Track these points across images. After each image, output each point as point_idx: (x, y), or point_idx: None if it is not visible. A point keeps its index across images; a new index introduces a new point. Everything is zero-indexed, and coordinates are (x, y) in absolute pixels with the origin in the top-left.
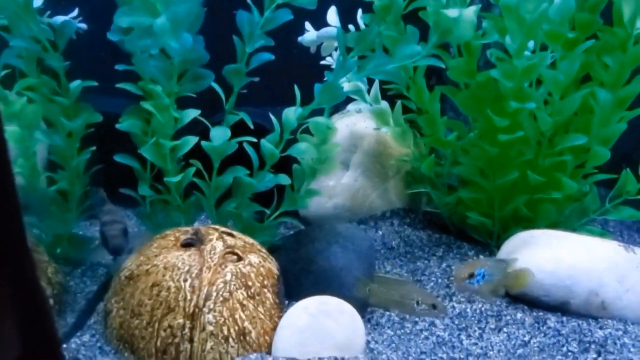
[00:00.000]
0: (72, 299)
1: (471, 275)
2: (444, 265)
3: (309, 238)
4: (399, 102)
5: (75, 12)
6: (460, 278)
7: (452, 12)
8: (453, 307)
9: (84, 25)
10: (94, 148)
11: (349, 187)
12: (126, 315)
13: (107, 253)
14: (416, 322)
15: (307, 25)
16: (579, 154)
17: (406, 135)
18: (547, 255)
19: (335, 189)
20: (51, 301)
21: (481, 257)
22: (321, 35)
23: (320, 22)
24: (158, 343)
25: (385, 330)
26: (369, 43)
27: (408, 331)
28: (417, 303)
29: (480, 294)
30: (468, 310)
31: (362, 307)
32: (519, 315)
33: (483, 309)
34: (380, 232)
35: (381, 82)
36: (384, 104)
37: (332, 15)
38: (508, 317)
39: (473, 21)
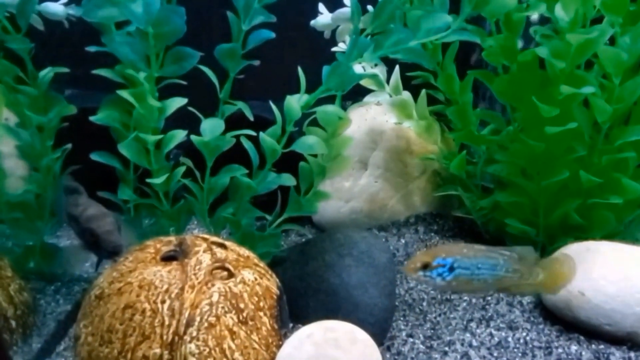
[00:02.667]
0: (41, 321)
1: (425, 266)
2: None
3: (317, 249)
4: (423, 92)
5: None
6: (410, 268)
7: None
8: (491, 334)
9: (75, 12)
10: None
11: (367, 189)
12: (95, 343)
13: (101, 256)
14: (445, 353)
15: (321, 6)
16: None
17: (432, 129)
18: (610, 274)
19: (352, 191)
20: (13, 323)
21: (460, 242)
22: (336, 18)
23: (335, 4)
24: None
25: None
26: (386, 19)
27: None
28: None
29: (457, 291)
30: (510, 339)
31: (381, 332)
32: (574, 347)
33: (528, 338)
34: (403, 241)
35: (403, 69)
36: (406, 95)
37: None
38: (560, 350)
39: None
